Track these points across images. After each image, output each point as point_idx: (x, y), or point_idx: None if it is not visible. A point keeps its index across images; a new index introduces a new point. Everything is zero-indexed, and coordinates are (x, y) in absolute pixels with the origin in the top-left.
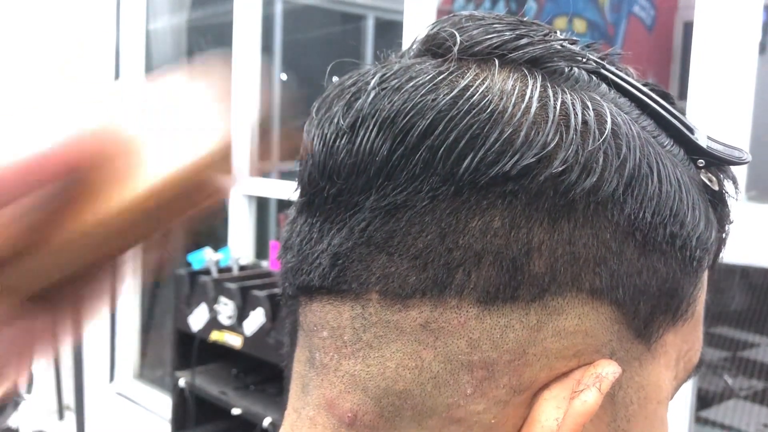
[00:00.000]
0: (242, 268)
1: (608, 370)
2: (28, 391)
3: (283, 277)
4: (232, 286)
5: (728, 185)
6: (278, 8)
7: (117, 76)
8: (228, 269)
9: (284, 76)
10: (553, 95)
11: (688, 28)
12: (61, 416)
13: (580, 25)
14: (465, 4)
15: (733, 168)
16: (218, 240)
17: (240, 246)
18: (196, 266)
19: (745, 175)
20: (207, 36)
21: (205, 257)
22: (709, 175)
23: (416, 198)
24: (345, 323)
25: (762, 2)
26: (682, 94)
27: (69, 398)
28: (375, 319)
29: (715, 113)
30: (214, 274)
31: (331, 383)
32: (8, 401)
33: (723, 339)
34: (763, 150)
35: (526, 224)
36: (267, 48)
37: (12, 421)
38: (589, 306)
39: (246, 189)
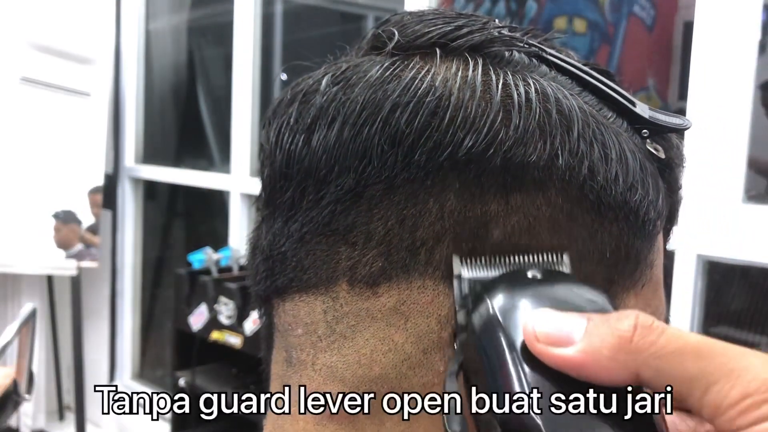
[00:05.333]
0: (242, 268)
1: None
2: (28, 391)
3: (254, 281)
4: (232, 286)
5: (675, 153)
6: (278, 8)
7: (117, 75)
8: (228, 269)
9: (284, 76)
10: (495, 77)
11: (688, 28)
12: (61, 416)
13: (580, 25)
14: (465, 5)
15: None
16: (218, 240)
17: (240, 246)
18: (196, 266)
19: (744, 175)
20: (207, 36)
21: (205, 257)
22: (655, 144)
23: (375, 187)
24: (318, 318)
25: (762, 2)
26: (682, 94)
27: (69, 398)
28: (346, 309)
29: (714, 113)
30: (214, 274)
31: (310, 377)
32: (8, 401)
33: (723, 339)
34: (762, 149)
35: (480, 200)
36: (267, 48)
37: (12, 421)
38: None
39: (246, 189)
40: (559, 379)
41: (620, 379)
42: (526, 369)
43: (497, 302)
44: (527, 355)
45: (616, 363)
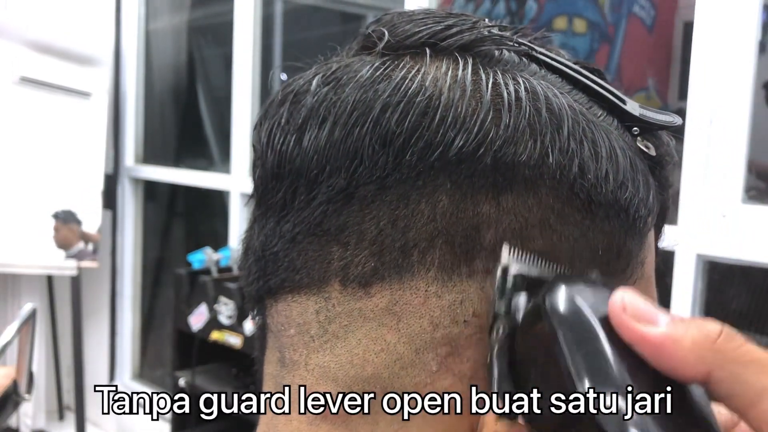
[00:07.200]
0: None
1: None
2: (28, 391)
3: (247, 282)
4: (232, 286)
5: (666, 151)
6: (278, 8)
7: (117, 75)
8: (228, 269)
9: (284, 76)
10: (485, 76)
11: (688, 28)
12: (61, 416)
13: (580, 25)
14: (465, 5)
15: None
16: (218, 240)
17: (240, 246)
18: (196, 266)
19: (744, 175)
20: (207, 36)
21: (205, 257)
22: (645, 142)
23: (366, 188)
24: (310, 318)
25: (761, 2)
26: (682, 94)
27: (69, 398)
28: (339, 310)
29: (714, 113)
30: (214, 274)
31: (303, 377)
32: (8, 401)
33: None
34: (762, 148)
35: (472, 201)
36: (267, 48)
37: (12, 421)
38: None
39: (246, 188)
40: (640, 371)
41: (692, 372)
42: (614, 364)
43: (578, 295)
44: (615, 345)
45: (694, 356)
